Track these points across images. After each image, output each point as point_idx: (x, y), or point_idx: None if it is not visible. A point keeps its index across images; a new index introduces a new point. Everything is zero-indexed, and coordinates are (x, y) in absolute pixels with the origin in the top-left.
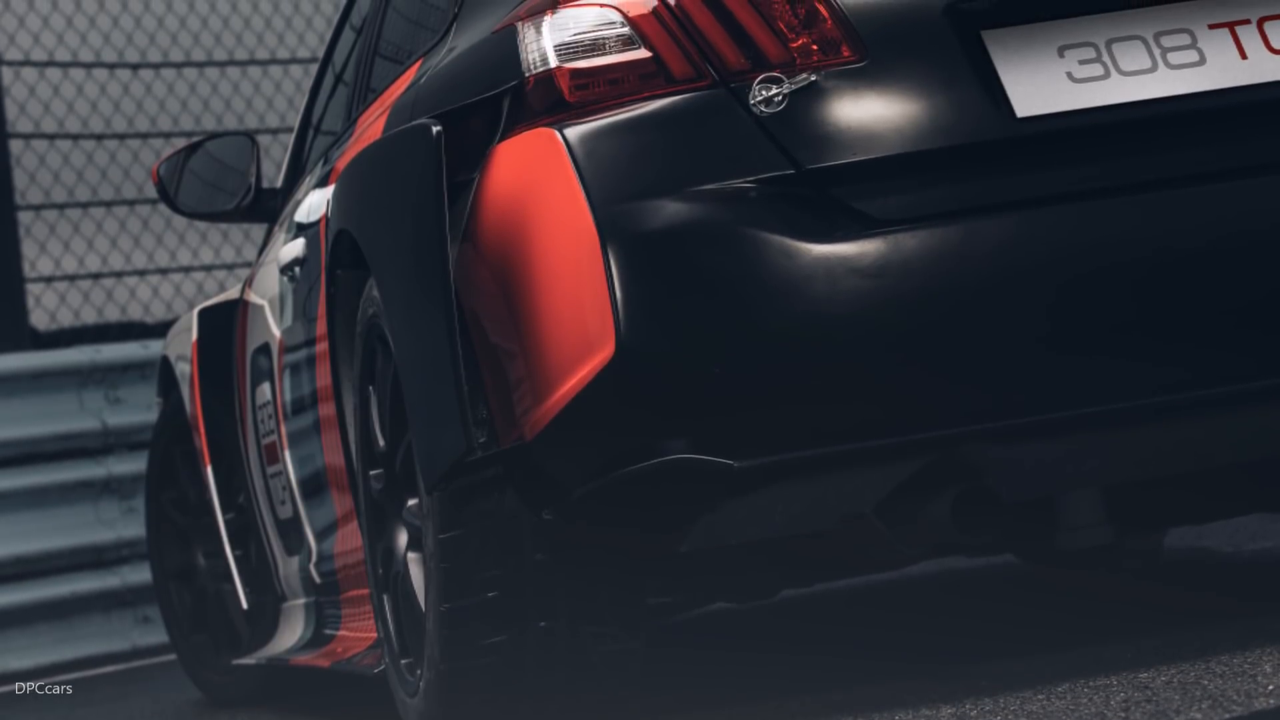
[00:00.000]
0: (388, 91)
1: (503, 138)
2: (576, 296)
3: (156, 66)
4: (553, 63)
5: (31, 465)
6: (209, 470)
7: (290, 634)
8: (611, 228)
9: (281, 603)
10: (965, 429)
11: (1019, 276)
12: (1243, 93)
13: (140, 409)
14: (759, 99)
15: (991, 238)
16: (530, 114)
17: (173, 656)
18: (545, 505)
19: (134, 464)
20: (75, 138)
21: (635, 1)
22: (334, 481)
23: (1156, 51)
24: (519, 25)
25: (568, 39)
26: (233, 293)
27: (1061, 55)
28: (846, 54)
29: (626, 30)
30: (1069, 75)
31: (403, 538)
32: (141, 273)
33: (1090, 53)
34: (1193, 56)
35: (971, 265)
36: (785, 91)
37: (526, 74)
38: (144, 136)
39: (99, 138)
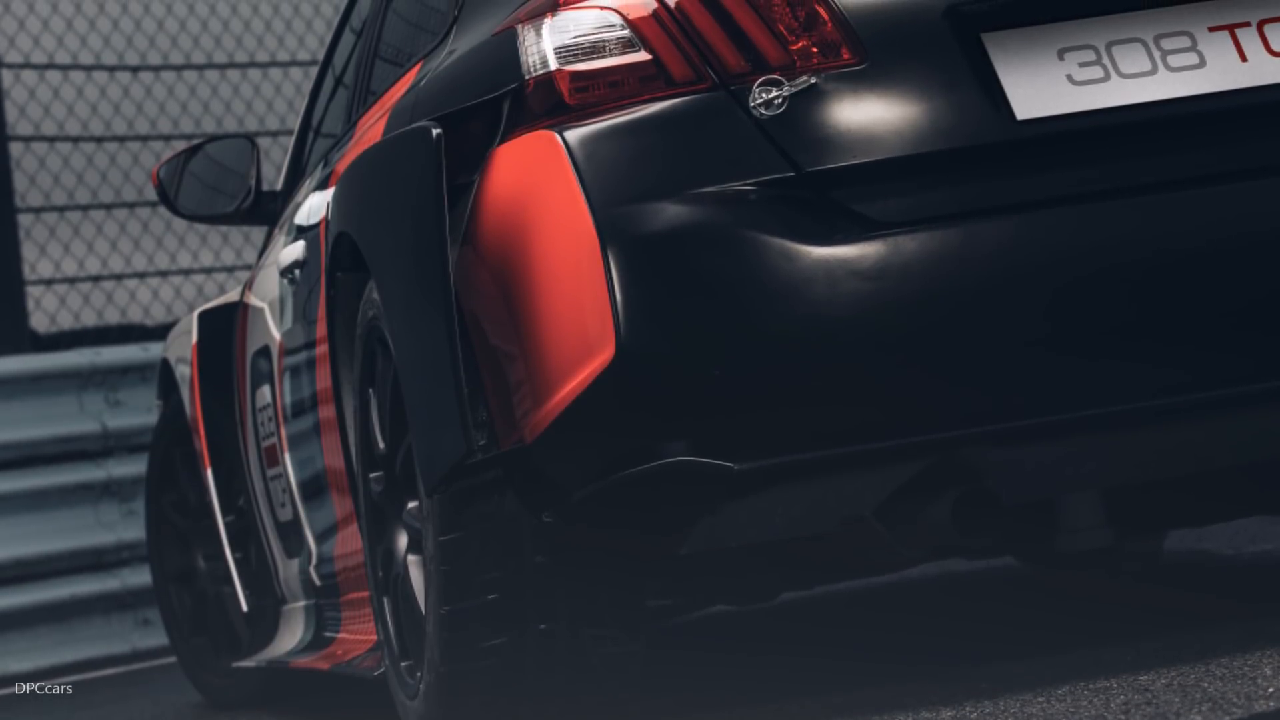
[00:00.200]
0: (388, 94)
1: (503, 140)
2: (576, 299)
3: (156, 69)
4: (553, 65)
5: (31, 468)
6: (209, 473)
7: (290, 636)
8: (611, 230)
9: (281, 605)
10: (965, 431)
11: (1019, 279)
12: (1243, 95)
13: (140, 411)
14: (759, 101)
15: (991, 240)
16: (530, 116)
17: (173, 659)
18: (545, 507)
19: (134, 466)
20: (75, 140)
21: (635, 4)
22: (334, 484)
23: (1156, 54)
24: (519, 28)
25: (568, 41)
26: (233, 295)
27: (1061, 58)
28: (846, 56)
29: (626, 33)
30: (1069, 78)
31: (403, 540)
32: (141, 275)
33: (1090, 55)
34: (1193, 59)
35: (971, 268)
36: (785, 94)
37: (526, 76)
38: (144, 139)
39: (99, 140)
